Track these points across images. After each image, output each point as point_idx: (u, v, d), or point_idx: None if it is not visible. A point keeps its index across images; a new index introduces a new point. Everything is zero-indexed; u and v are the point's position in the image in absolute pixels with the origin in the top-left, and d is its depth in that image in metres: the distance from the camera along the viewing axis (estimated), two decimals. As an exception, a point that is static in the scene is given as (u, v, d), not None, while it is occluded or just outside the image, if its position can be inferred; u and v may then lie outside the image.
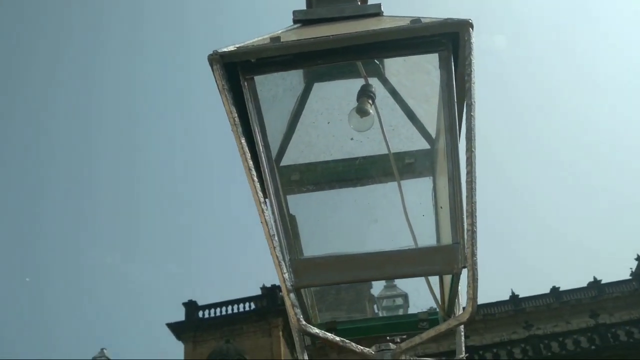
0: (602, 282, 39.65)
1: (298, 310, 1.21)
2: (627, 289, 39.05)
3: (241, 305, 31.26)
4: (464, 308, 1.21)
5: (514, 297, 39.83)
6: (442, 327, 1.25)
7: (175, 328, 30.84)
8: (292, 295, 1.22)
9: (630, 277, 42.10)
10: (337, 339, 1.22)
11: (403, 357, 1.26)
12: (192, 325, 30.74)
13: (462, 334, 1.45)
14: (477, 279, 1.20)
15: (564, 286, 39.98)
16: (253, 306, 31.12)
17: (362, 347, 1.24)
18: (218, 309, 31.43)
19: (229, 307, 31.38)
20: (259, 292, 31.88)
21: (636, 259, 47.98)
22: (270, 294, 31.30)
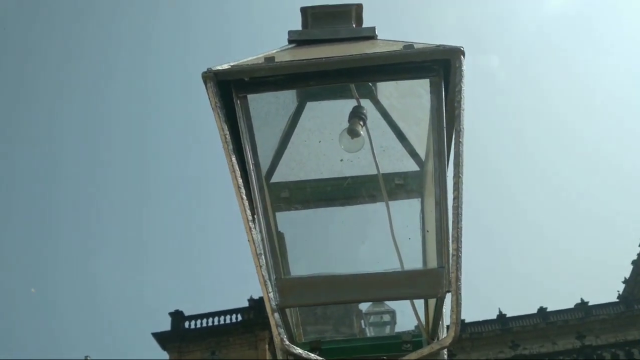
0: (590, 304, 39.71)
1: (282, 330, 1.21)
2: (614, 311, 39.13)
3: (228, 317, 31.06)
4: (447, 331, 1.21)
5: (501, 316, 39.80)
6: (425, 350, 1.25)
7: (161, 338, 30.59)
8: (276, 315, 1.23)
9: (617, 300, 42.21)
10: (320, 359, 1.23)
11: None
12: (178, 335, 30.51)
13: (445, 357, 1.46)
14: (460, 303, 1.21)
15: (551, 307, 40.03)
16: (240, 318, 30.93)
17: None
18: (205, 320, 31.21)
19: (216, 319, 31.17)
20: (247, 304, 31.72)
21: (623, 282, 48.14)
22: (258, 306, 31.11)
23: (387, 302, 2.05)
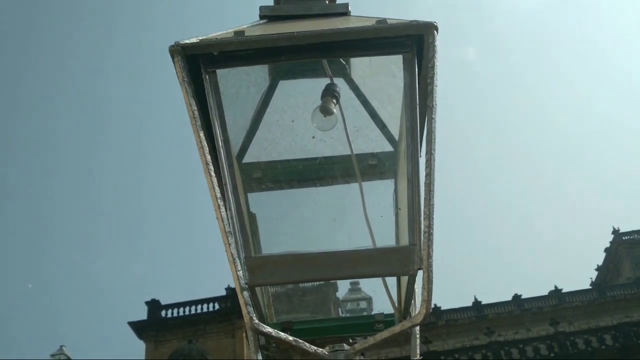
0: (563, 291, 40.35)
1: (251, 309, 1.19)
2: (587, 298, 39.81)
3: (205, 306, 30.99)
4: (419, 309, 1.20)
5: (476, 303, 40.27)
6: (396, 328, 1.24)
7: (137, 327, 30.43)
8: (245, 293, 1.20)
9: (590, 287, 42.95)
10: (290, 338, 1.21)
11: (356, 358, 1.25)
12: (155, 324, 30.38)
13: (417, 336, 1.45)
14: (432, 280, 1.20)
15: (525, 294, 40.60)
16: (217, 307, 30.88)
17: (315, 347, 1.23)
18: (181, 309, 31.10)
19: (193, 307, 31.08)
20: (224, 293, 31.66)
21: (596, 269, 49.00)
22: (235, 295, 31.07)
23: (364, 289, 2.04)
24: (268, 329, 1.20)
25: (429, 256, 1.21)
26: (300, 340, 1.21)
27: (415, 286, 1.39)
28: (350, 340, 1.27)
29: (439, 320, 38.30)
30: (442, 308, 39.23)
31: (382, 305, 1.53)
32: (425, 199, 1.25)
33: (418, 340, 1.45)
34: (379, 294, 1.51)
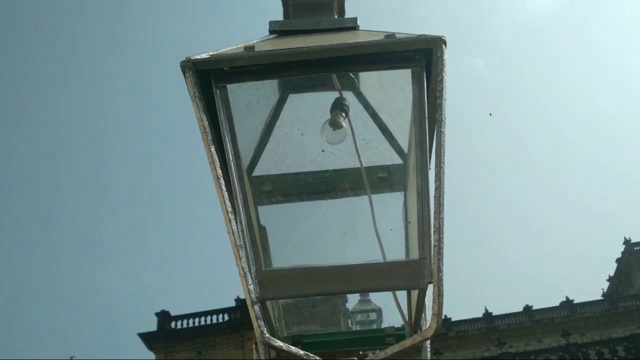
0: (575, 302, 40.01)
1: (262, 323, 1.19)
2: (599, 309, 39.45)
3: (214, 317, 30.93)
4: (429, 323, 1.20)
5: (487, 314, 40.00)
6: (407, 342, 1.24)
7: (147, 338, 30.41)
8: (256, 307, 1.20)
9: (602, 298, 42.55)
10: (301, 352, 1.21)
11: None
12: (164, 335, 30.34)
13: (428, 349, 1.45)
14: (442, 294, 1.20)
15: (537, 305, 40.30)
16: (227, 318, 30.82)
17: None
18: (191, 320, 31.07)
19: (202, 319, 31.03)
20: (234, 304, 31.61)
21: (608, 280, 48.58)
22: (245, 306, 30.99)
23: (374, 300, 2.04)
24: (279, 343, 1.20)
25: (439, 270, 1.21)
26: (311, 355, 1.21)
27: (426, 300, 1.39)
28: (360, 353, 1.27)
29: (449, 332, 38.06)
30: (453, 319, 38.99)
31: (392, 317, 1.53)
32: (435, 212, 1.25)
33: (429, 354, 1.44)
34: (389, 307, 1.51)
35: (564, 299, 40.31)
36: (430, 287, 1.24)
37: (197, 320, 31.00)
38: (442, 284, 1.21)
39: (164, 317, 31.14)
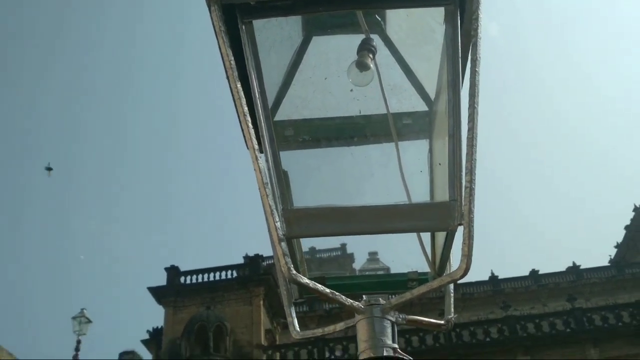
0: (581, 267, 40.16)
1: (289, 260, 1.18)
2: (605, 275, 39.63)
3: (223, 273, 31.32)
4: (459, 264, 1.18)
5: (493, 278, 40.27)
6: (435, 283, 1.23)
7: (157, 292, 30.89)
8: (283, 244, 1.19)
9: (609, 264, 42.69)
10: (327, 290, 1.20)
11: (392, 313, 1.24)
12: (173, 290, 30.80)
13: (452, 294, 1.44)
14: (472, 236, 1.18)
15: (543, 270, 40.51)
16: (235, 274, 31.20)
17: (351, 300, 1.22)
18: (200, 276, 31.48)
19: (211, 274, 31.43)
20: (242, 262, 31.97)
21: (615, 247, 48.63)
22: (253, 262, 31.38)
23: (382, 259, 2.04)
24: (305, 280, 1.19)
25: (470, 211, 1.19)
26: (337, 293, 1.20)
27: (452, 246, 1.37)
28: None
29: (454, 293, 38.33)
30: (459, 281, 39.20)
31: (411, 265, 1.51)
32: (467, 153, 1.22)
33: (452, 299, 1.43)
34: (404, 258, 1.50)
35: (571, 264, 40.46)
36: (460, 230, 1.22)
37: (205, 276, 31.41)
38: (472, 226, 1.19)
39: (173, 272, 31.56)
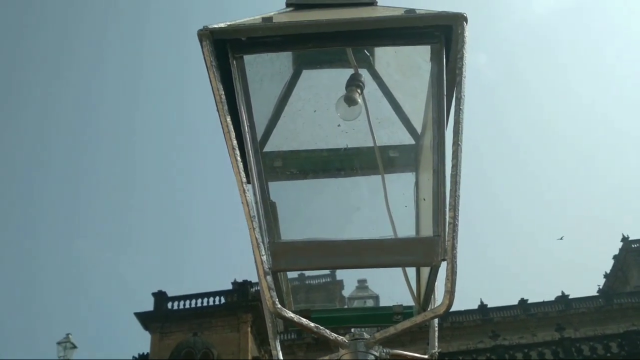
0: (570, 297, 40.14)
1: (274, 294, 1.18)
2: (594, 305, 39.59)
3: (211, 299, 31.05)
4: (442, 300, 1.19)
5: (482, 306, 40.15)
6: (418, 318, 1.23)
7: (143, 318, 30.54)
8: (268, 277, 1.20)
9: (597, 294, 42.70)
10: (312, 324, 1.20)
11: (376, 348, 1.24)
12: (161, 316, 30.47)
13: (436, 328, 1.44)
14: (456, 272, 1.19)
15: (532, 299, 40.45)
16: (223, 300, 30.93)
17: (336, 335, 1.23)
18: (187, 301, 31.18)
19: (199, 300, 31.15)
20: (230, 287, 31.73)
21: (604, 276, 48.72)
22: (241, 289, 31.15)
23: (371, 287, 2.06)
24: (290, 314, 1.19)
25: (454, 247, 1.20)
26: (321, 327, 1.21)
27: (436, 279, 1.39)
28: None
29: (444, 322, 38.19)
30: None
31: (397, 298, 1.52)
32: (451, 190, 1.24)
33: (437, 333, 1.44)
34: (393, 287, 1.51)
35: (560, 294, 40.44)
36: (443, 265, 1.23)
37: (193, 301, 31.12)
38: (456, 262, 1.20)
39: (160, 297, 31.25)
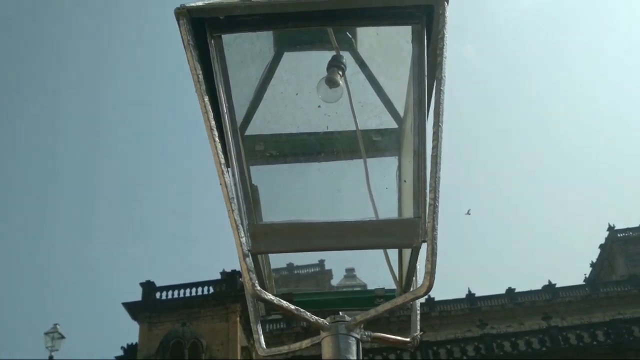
0: (557, 286, 40.49)
1: (253, 276, 1.17)
2: (580, 294, 39.98)
3: (200, 289, 31.02)
4: (422, 282, 1.19)
5: (470, 295, 40.43)
6: (399, 300, 1.22)
7: (132, 308, 30.47)
8: (248, 259, 1.18)
9: (584, 283, 43.09)
10: (292, 307, 1.19)
11: (357, 330, 1.24)
12: (149, 305, 30.41)
13: (418, 311, 1.44)
14: (436, 253, 1.18)
15: (519, 288, 40.78)
16: (212, 290, 30.92)
17: (316, 317, 1.22)
18: (176, 291, 31.14)
19: (187, 290, 31.11)
20: (219, 277, 31.71)
21: (591, 266, 49.16)
22: (230, 279, 31.14)
23: (359, 275, 2.06)
24: (270, 296, 1.18)
25: (434, 229, 1.19)
26: (302, 310, 1.20)
27: (417, 262, 1.38)
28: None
29: (432, 311, 38.43)
30: (436, 299, 39.33)
31: (376, 285, 1.51)
32: (431, 171, 1.23)
33: (419, 316, 1.43)
34: (375, 274, 1.50)
35: (547, 283, 40.79)
36: (423, 248, 1.23)
37: (181, 291, 31.07)
38: (436, 243, 1.19)
39: (148, 287, 31.18)
